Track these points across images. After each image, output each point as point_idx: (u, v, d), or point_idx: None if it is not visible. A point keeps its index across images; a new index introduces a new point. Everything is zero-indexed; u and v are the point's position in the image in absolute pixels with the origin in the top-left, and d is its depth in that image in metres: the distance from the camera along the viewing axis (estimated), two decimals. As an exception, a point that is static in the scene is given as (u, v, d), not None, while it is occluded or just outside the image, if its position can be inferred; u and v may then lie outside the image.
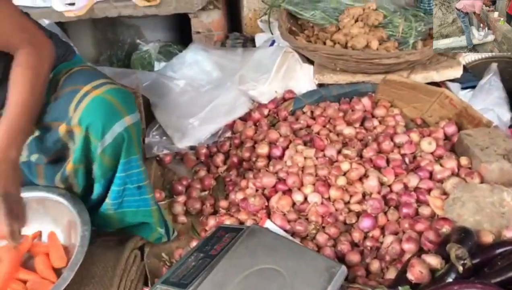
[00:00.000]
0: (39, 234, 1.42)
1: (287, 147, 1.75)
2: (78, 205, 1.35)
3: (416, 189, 1.57)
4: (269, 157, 1.76)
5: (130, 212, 1.48)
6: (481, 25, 1.74)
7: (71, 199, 1.37)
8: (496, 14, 1.72)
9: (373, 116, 1.92)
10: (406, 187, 1.57)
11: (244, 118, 2.02)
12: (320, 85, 2.10)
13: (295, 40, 2.02)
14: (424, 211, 1.48)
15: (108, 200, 1.43)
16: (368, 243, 1.44)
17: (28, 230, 1.40)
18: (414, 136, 1.75)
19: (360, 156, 1.70)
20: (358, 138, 1.80)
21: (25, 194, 1.40)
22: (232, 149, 1.89)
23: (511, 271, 1.14)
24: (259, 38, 2.45)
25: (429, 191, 1.54)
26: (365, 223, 1.47)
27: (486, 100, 2.00)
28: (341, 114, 1.91)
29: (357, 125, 1.87)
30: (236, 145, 1.89)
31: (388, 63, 1.87)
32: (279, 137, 1.80)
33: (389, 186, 1.59)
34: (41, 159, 1.42)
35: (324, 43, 2.07)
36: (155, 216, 1.51)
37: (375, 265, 1.38)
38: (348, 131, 1.81)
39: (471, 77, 2.23)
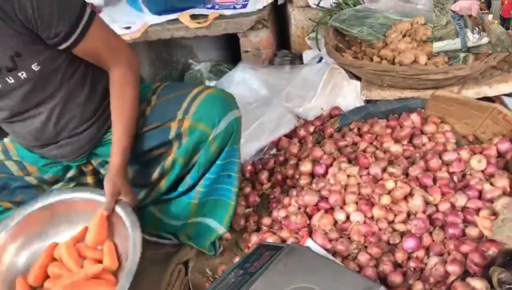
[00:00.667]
0: (85, 230, 1.49)
1: (331, 165, 1.75)
2: (130, 216, 1.42)
3: (464, 209, 1.51)
4: (312, 174, 1.76)
5: (211, 201, 1.59)
6: (477, 28, 1.68)
7: (125, 210, 1.44)
8: (490, 16, 1.66)
9: (422, 133, 1.87)
10: (453, 206, 1.52)
11: (290, 135, 2.03)
12: (368, 101, 2.08)
13: (341, 57, 2.01)
14: (472, 232, 1.42)
15: (199, 188, 1.56)
16: (412, 264, 1.40)
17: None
18: (464, 153, 1.69)
19: (406, 174, 1.66)
20: (406, 155, 1.76)
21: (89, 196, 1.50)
22: (276, 166, 1.91)
23: (562, 299, 1.08)
24: (307, 55, 2.46)
25: (477, 211, 1.48)
26: (409, 243, 1.44)
27: (544, 116, 1.89)
28: (388, 130, 1.88)
29: (405, 142, 1.83)
30: (281, 162, 1.91)
31: (436, 79, 1.82)
32: (323, 154, 1.80)
33: (436, 205, 1.54)
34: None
35: (371, 59, 2.05)
36: (229, 212, 1.61)
37: (418, 287, 1.34)
38: (395, 148, 1.77)
39: (531, 91, 2.12)
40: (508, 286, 1.09)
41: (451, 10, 1.76)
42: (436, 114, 1.91)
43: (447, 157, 1.69)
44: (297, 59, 2.50)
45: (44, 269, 1.43)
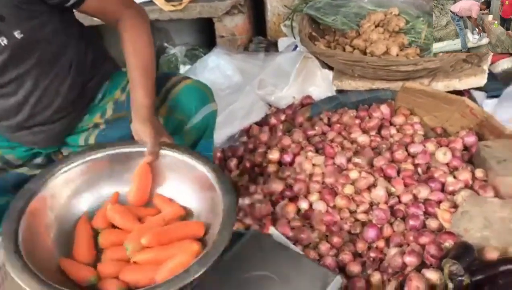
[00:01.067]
0: (117, 196, 1.31)
1: (298, 154, 1.74)
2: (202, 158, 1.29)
3: (426, 201, 1.52)
4: (280, 163, 1.76)
5: None
6: (477, 29, 1.69)
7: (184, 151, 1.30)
8: (490, 17, 1.67)
9: (391, 124, 1.88)
10: (415, 198, 1.54)
11: (260, 123, 2.02)
12: (340, 92, 2.07)
13: (313, 46, 2.01)
14: (432, 223, 1.44)
15: None
16: (372, 254, 1.42)
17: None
18: (430, 146, 1.70)
19: (371, 165, 1.67)
20: (372, 146, 1.77)
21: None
22: (245, 153, 1.90)
23: (511, 290, 1.10)
24: (282, 43, 2.44)
25: (439, 203, 1.50)
26: (370, 233, 1.45)
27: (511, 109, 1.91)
28: (357, 121, 1.88)
29: (373, 133, 1.84)
30: (250, 150, 1.90)
31: (406, 70, 1.83)
32: (291, 143, 1.80)
33: (398, 196, 1.55)
34: None
35: (344, 49, 2.05)
36: None
37: (376, 277, 1.35)
38: (362, 138, 1.78)
39: (501, 85, 2.14)
40: (459, 278, 1.10)
41: (451, 11, 1.77)
42: (406, 106, 1.92)
43: (413, 149, 1.70)
44: (272, 46, 2.48)
45: (90, 244, 1.23)
